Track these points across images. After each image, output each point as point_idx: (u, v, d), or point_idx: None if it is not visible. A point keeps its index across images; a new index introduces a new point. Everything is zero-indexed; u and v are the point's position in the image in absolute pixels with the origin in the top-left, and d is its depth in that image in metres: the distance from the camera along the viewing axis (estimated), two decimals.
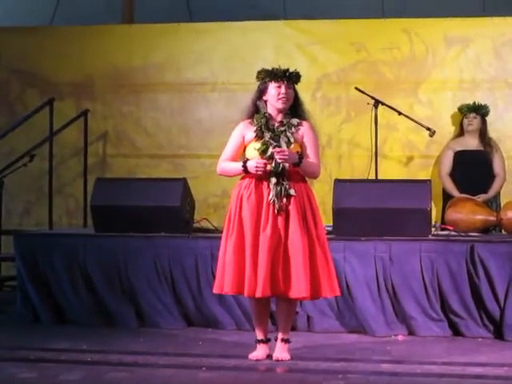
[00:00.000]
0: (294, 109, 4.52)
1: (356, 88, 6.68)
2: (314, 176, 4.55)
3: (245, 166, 4.44)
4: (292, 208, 4.39)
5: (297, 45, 7.16)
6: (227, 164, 4.55)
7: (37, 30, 7.64)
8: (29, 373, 4.14)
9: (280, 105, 4.47)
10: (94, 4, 8.58)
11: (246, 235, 4.37)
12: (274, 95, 4.47)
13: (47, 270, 5.58)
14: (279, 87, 4.46)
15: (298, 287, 4.32)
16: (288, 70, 4.49)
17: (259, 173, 4.39)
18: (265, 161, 4.38)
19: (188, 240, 5.47)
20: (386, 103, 6.61)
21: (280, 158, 4.35)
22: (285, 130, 4.45)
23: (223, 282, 4.41)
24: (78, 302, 5.52)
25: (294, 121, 4.48)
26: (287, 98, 4.47)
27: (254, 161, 4.40)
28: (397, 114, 6.62)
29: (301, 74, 4.54)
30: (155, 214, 5.50)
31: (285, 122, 4.47)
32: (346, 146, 7.10)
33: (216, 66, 7.28)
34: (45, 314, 5.56)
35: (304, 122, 4.52)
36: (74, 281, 5.54)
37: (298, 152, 4.43)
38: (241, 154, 4.56)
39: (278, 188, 4.38)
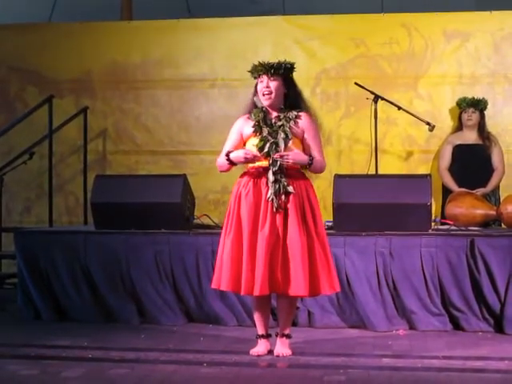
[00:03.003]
0: (291, 100, 4.44)
1: (355, 83, 6.66)
2: (320, 172, 4.50)
3: (228, 158, 4.40)
4: (291, 206, 4.35)
5: (296, 40, 7.15)
6: (220, 159, 4.51)
7: (35, 26, 7.63)
8: (30, 370, 4.14)
9: (264, 101, 4.41)
10: (92, 0, 8.59)
11: (244, 233, 4.35)
12: (260, 91, 4.42)
13: (48, 267, 5.58)
14: (262, 82, 4.41)
15: (297, 285, 4.30)
16: (269, 62, 4.38)
17: (247, 159, 4.33)
18: (253, 152, 4.32)
19: (188, 236, 5.47)
20: (386, 98, 6.60)
21: (285, 162, 4.31)
22: (283, 125, 4.39)
23: (221, 278, 4.41)
24: (78, 298, 5.53)
25: (292, 114, 4.42)
26: (269, 92, 4.39)
27: (242, 151, 4.36)
28: (396, 108, 6.61)
29: (297, 67, 4.50)
30: (155, 211, 5.49)
31: (282, 115, 4.42)
32: (346, 142, 7.09)
33: (215, 62, 7.27)
34: (46, 311, 5.56)
35: (303, 115, 4.45)
36: (74, 278, 5.54)
37: (309, 155, 4.39)
38: None
39: (277, 186, 4.34)
